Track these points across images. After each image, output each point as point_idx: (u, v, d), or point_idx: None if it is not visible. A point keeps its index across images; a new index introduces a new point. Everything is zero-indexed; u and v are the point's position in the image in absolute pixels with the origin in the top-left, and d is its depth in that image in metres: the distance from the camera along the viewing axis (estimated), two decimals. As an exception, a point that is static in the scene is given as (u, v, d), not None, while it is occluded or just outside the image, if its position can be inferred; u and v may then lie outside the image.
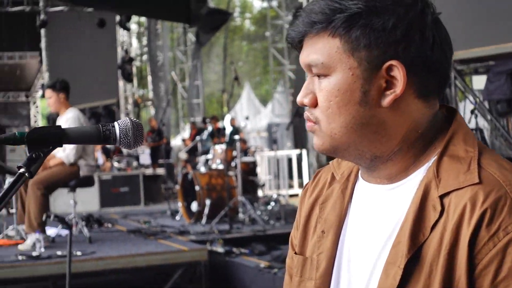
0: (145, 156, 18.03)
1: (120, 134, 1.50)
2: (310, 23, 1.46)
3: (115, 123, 1.51)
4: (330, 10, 1.43)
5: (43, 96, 29.42)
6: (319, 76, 1.47)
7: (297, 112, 8.89)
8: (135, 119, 1.54)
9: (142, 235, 8.72)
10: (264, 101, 33.60)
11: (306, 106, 1.49)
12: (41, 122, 31.24)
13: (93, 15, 19.74)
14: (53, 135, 1.46)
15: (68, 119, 7.66)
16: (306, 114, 1.50)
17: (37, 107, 30.74)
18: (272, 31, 24.29)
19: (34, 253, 7.12)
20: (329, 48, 1.44)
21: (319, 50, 1.45)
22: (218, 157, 10.86)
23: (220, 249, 7.96)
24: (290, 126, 10.16)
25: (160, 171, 16.81)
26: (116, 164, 16.52)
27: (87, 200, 12.46)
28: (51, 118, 24.55)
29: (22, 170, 1.43)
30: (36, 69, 27.75)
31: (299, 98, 1.50)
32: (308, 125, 1.50)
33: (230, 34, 36.63)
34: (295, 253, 1.66)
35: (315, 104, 1.47)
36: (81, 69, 21.63)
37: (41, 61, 26.09)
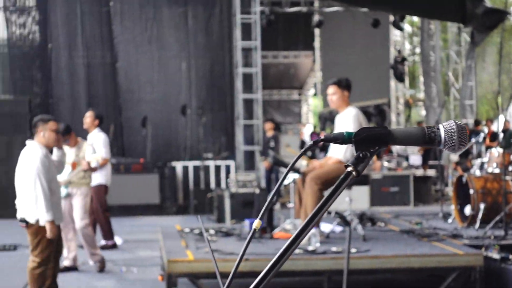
0: (415, 156, 17.90)
1: (445, 137, 1.49)
2: None
3: (440, 126, 1.50)
4: None
5: (315, 94, 30.24)
6: None
7: None
8: (459, 121, 1.52)
9: (415, 236, 8.65)
10: (540, 103, 31.97)
11: None
12: (312, 120, 32.07)
13: (368, 15, 19.92)
14: (379, 136, 1.48)
15: (350, 117, 7.78)
16: None
17: (308, 104, 31.59)
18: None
19: (310, 248, 7.31)
20: None
21: None
22: (494, 161, 10.49)
23: (495, 255, 7.70)
24: None
25: (431, 172, 16.60)
26: (386, 163, 16.56)
27: (358, 198, 12.61)
28: (323, 116, 25.13)
29: (349, 169, 1.47)
30: (309, 68, 28.55)
31: None
32: None
33: (506, 34, 35.26)
34: None
35: None
36: (353, 68, 21.92)
37: (314, 60, 26.80)
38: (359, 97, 20.80)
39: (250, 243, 6.11)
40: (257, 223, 1.61)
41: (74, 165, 9.69)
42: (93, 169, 9.89)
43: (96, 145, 10.38)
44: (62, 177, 9.69)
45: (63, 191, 9.67)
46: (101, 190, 10.94)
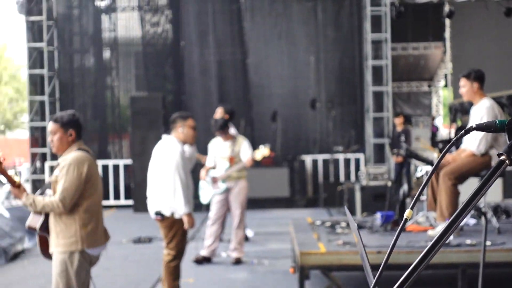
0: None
1: None
2: None
3: None
4: None
5: (445, 85, 29.66)
6: None
7: None
8: None
9: (552, 230, 8.39)
10: None
11: None
12: (442, 112, 31.49)
13: (500, 4, 19.39)
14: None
15: (484, 108, 7.63)
16: None
17: (439, 96, 31.04)
18: None
19: (444, 240, 7.19)
20: None
21: None
22: None
23: None
24: None
25: None
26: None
27: (491, 190, 12.29)
28: (453, 107, 24.62)
29: (502, 157, 1.47)
30: (439, 59, 28.05)
31: None
32: None
33: None
34: None
35: None
36: (485, 58, 21.37)
37: (444, 51, 26.28)
38: (491, 87, 20.24)
39: (382, 236, 6.06)
40: (408, 212, 1.63)
41: (232, 160, 9.90)
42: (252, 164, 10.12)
43: None
44: (219, 172, 9.94)
45: (222, 186, 9.91)
46: None
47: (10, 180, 5.22)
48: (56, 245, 5.36)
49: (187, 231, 7.37)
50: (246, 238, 11.51)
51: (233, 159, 9.87)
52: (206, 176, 10.02)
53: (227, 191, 9.98)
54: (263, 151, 9.91)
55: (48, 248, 5.46)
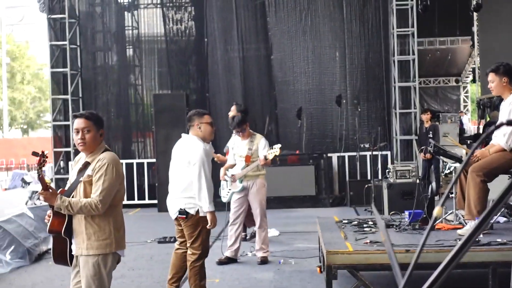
0: None
1: None
2: None
3: None
4: None
5: (473, 80, 29.34)
6: None
7: None
8: None
9: None
10: None
11: None
12: (470, 107, 31.18)
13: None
14: None
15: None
16: None
17: (467, 91, 30.76)
18: None
19: (473, 239, 7.00)
20: None
21: None
22: None
23: None
24: None
25: None
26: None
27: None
28: (482, 103, 24.33)
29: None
30: (467, 54, 27.77)
31: None
32: None
33: None
34: None
35: None
36: (514, 52, 21.08)
37: (472, 46, 26.00)
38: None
39: (411, 235, 5.87)
40: (437, 210, 1.48)
41: (248, 159, 9.79)
42: (268, 163, 9.95)
43: None
44: (236, 171, 9.83)
45: (239, 185, 9.81)
46: None
47: (44, 184, 5.09)
48: (89, 247, 5.25)
49: (210, 230, 7.25)
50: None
51: (249, 158, 9.76)
52: (225, 175, 9.94)
53: (245, 190, 9.87)
54: (274, 151, 9.78)
55: (65, 252, 5.32)
